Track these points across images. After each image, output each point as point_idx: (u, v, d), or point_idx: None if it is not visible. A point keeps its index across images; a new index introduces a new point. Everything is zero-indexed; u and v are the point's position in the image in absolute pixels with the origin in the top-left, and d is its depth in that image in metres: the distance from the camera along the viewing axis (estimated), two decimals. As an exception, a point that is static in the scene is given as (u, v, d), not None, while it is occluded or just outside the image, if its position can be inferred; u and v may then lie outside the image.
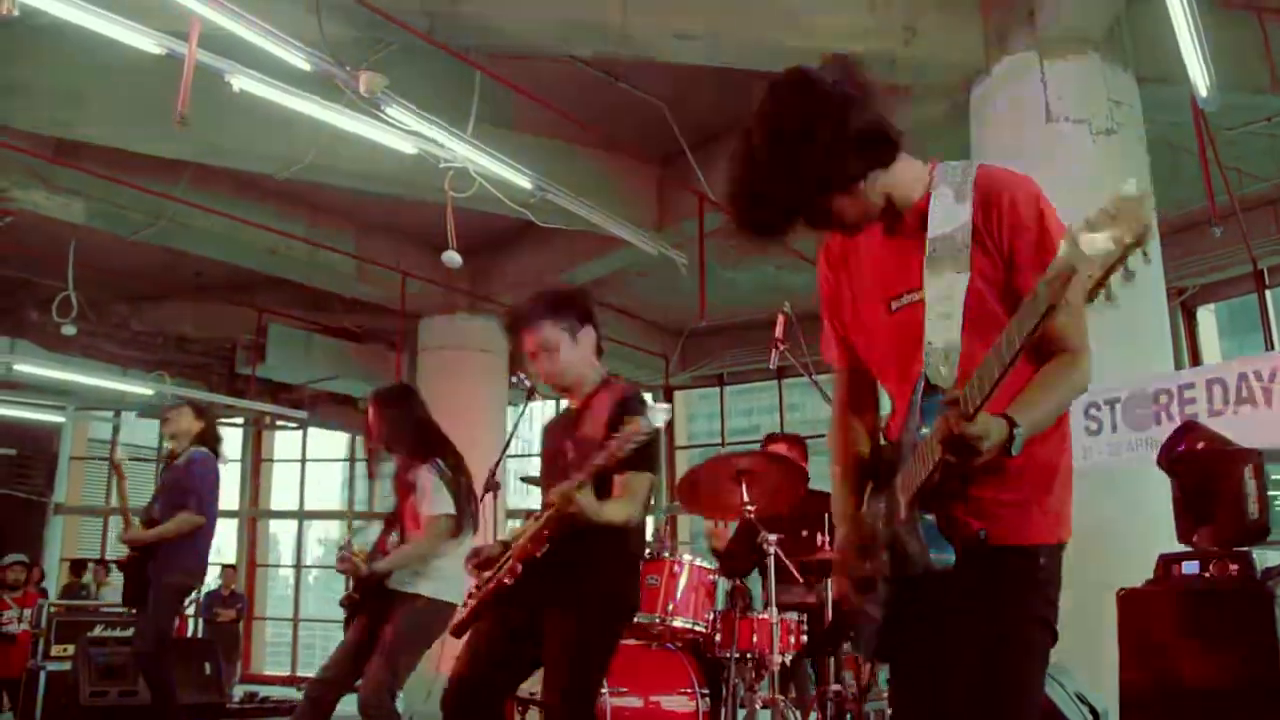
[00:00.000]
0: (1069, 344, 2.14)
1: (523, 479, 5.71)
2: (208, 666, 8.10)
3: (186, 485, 6.33)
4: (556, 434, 4.03)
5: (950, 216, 2.21)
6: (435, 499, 5.00)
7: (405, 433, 5.19)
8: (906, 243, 2.28)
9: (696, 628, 5.42)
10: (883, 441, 2.43)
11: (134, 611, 6.85)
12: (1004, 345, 1.84)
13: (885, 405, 2.52)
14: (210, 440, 6.63)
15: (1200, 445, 4.42)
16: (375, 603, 5.04)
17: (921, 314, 2.19)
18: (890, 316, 2.31)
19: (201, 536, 6.41)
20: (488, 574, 3.79)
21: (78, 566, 14.39)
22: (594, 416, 3.82)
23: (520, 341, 3.87)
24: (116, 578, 13.28)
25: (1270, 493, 4.27)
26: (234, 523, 17.83)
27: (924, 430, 2.07)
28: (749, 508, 5.56)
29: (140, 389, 14.44)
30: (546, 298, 3.90)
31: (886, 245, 2.34)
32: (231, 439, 18.11)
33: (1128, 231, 1.55)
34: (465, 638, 3.84)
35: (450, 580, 4.98)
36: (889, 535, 2.25)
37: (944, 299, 2.15)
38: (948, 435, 1.94)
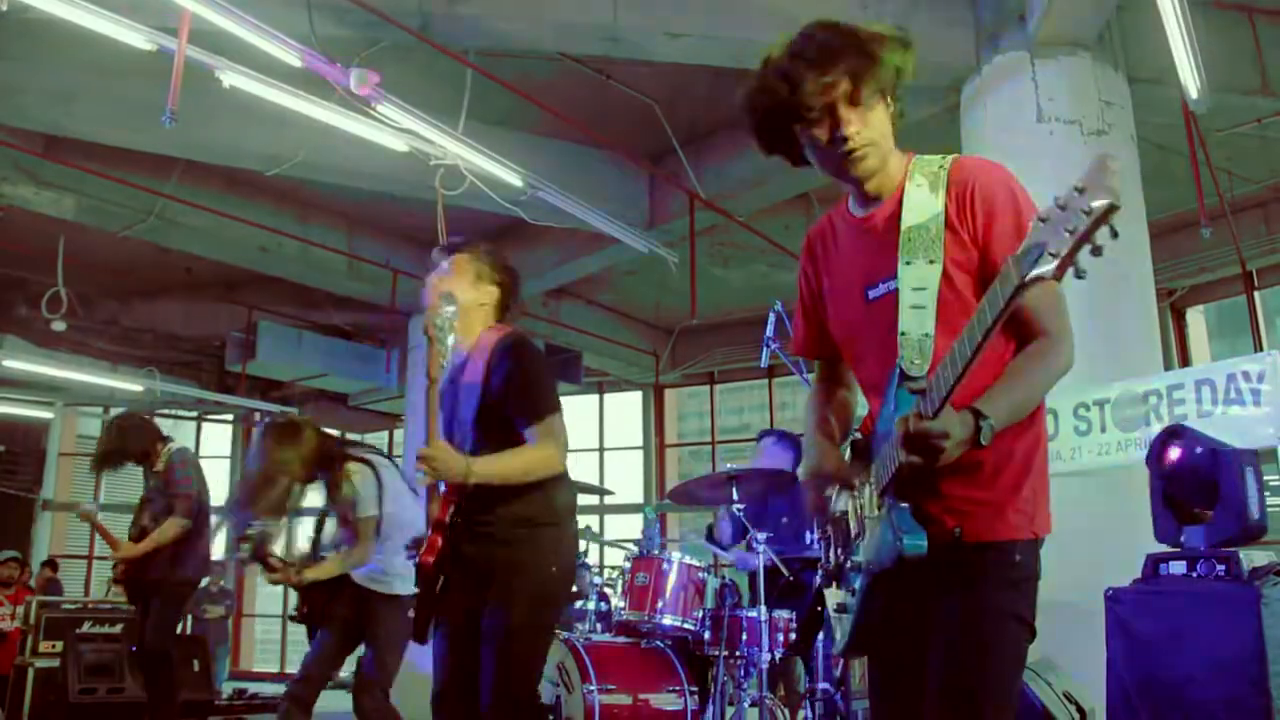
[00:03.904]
0: (1046, 328, 2.14)
1: None
2: (196, 663, 8.09)
3: (172, 490, 6.33)
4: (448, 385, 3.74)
5: (924, 206, 2.22)
6: (362, 503, 5.07)
7: (313, 462, 5.18)
8: (881, 233, 2.29)
9: (685, 626, 5.43)
10: (858, 436, 2.43)
11: (132, 608, 6.84)
12: (975, 327, 1.83)
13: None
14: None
15: (1197, 449, 4.43)
16: (345, 605, 5.10)
17: (895, 302, 2.20)
18: (867, 306, 2.31)
19: (201, 533, 6.42)
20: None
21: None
22: (474, 361, 3.59)
23: (438, 267, 3.72)
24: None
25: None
26: (223, 519, 17.78)
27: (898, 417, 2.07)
28: (738, 507, 5.58)
29: (130, 385, 14.40)
30: (484, 246, 3.82)
31: (863, 235, 2.35)
32: (221, 436, 18.09)
33: (1096, 202, 1.55)
34: (434, 641, 3.60)
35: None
36: (863, 525, 2.26)
37: (917, 289, 2.16)
38: (906, 435, 1.94)
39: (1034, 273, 1.65)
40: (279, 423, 5.37)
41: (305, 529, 5.46)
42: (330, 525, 5.39)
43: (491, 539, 3.43)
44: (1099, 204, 1.55)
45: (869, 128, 2.22)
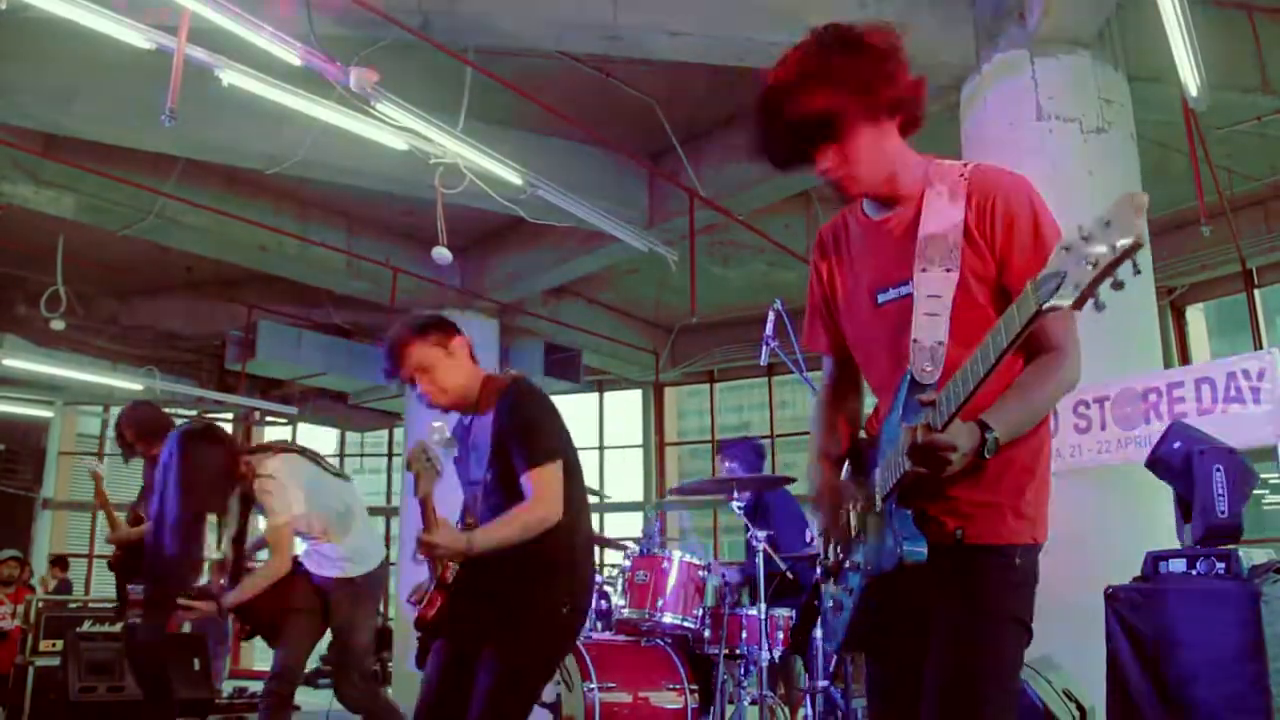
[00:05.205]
0: (1055, 343, 2.14)
1: None
2: (197, 661, 8.09)
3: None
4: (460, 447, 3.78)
5: (943, 215, 2.22)
6: (273, 510, 4.99)
7: (218, 472, 5.11)
8: (898, 237, 2.29)
9: (685, 624, 5.44)
10: (862, 435, 2.44)
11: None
12: (989, 346, 1.84)
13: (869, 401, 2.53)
14: None
15: (1175, 444, 4.45)
16: (304, 598, 5.12)
17: (908, 308, 2.20)
18: (877, 309, 2.32)
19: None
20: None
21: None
22: (482, 423, 3.60)
23: (399, 374, 3.64)
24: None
25: (1258, 491, 4.30)
26: (223, 518, 17.78)
27: (905, 425, 2.07)
28: (737, 504, 5.58)
29: (129, 384, 14.40)
30: (408, 322, 3.73)
31: (878, 238, 2.35)
32: (220, 435, 18.05)
33: (1121, 238, 1.55)
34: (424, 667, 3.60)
35: (370, 552, 5.24)
36: (864, 528, 2.25)
37: (932, 297, 2.16)
38: (914, 446, 1.95)
39: (1052, 301, 1.66)
40: (197, 429, 5.22)
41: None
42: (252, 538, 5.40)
43: (506, 577, 3.42)
44: (1124, 241, 1.55)
45: (851, 162, 2.21)
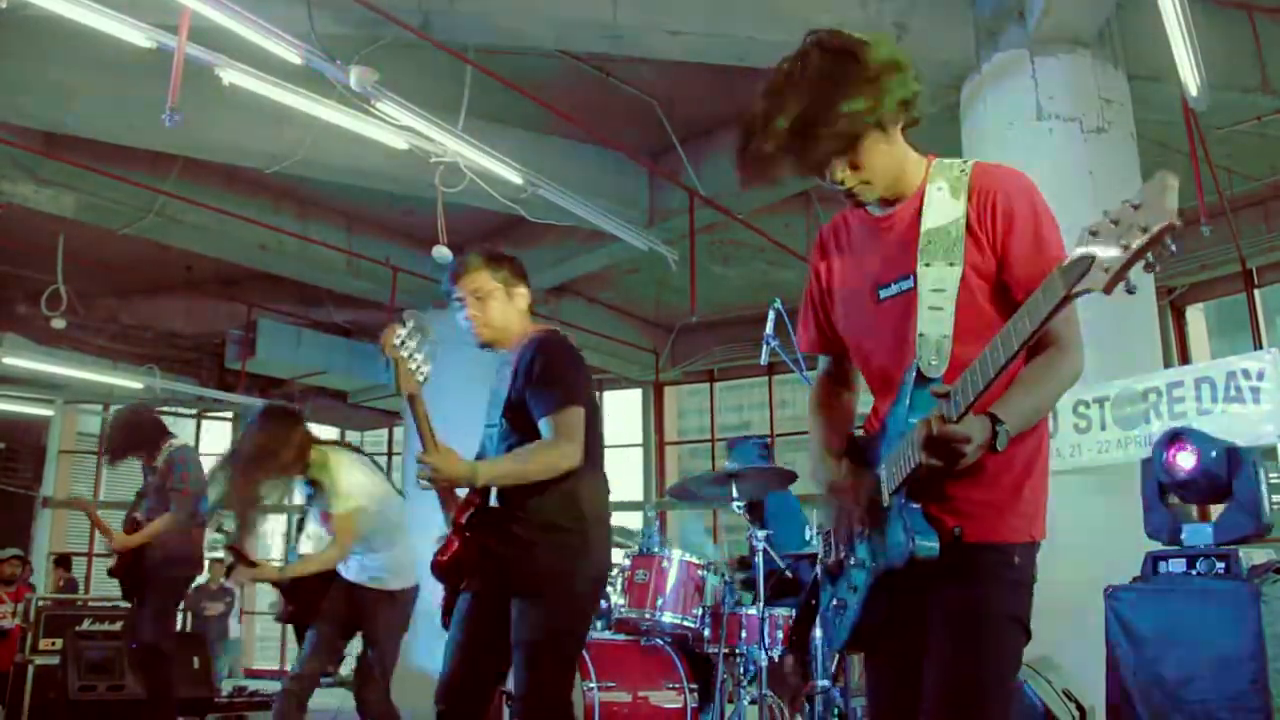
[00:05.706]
0: (1058, 336, 2.14)
1: None
2: (196, 660, 8.09)
3: (169, 486, 6.31)
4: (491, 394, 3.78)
5: (945, 210, 2.22)
6: (340, 499, 5.05)
7: (292, 450, 5.17)
8: (899, 234, 2.29)
9: (685, 623, 5.43)
10: (860, 434, 2.43)
11: (129, 605, 6.84)
12: (1011, 334, 1.83)
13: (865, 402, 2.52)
14: None
15: (1212, 452, 4.42)
16: (339, 602, 5.14)
17: (910, 304, 2.20)
18: (878, 306, 2.31)
19: (196, 529, 6.41)
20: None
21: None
22: (508, 366, 3.59)
23: (455, 288, 3.64)
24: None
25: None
26: (223, 517, 17.75)
27: (913, 419, 2.06)
28: (737, 505, 5.58)
29: (129, 383, 14.40)
30: (484, 250, 3.76)
31: (880, 235, 2.35)
32: (221, 433, 18.09)
33: (1153, 219, 1.54)
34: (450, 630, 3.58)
35: (409, 569, 5.23)
36: (871, 523, 2.24)
37: (936, 291, 2.16)
38: (929, 438, 1.94)
39: (1082, 285, 1.65)
40: (279, 406, 5.38)
41: (279, 526, 5.45)
42: (310, 523, 5.42)
43: (517, 540, 3.38)
44: (1157, 223, 1.53)
45: (863, 170, 2.21)
